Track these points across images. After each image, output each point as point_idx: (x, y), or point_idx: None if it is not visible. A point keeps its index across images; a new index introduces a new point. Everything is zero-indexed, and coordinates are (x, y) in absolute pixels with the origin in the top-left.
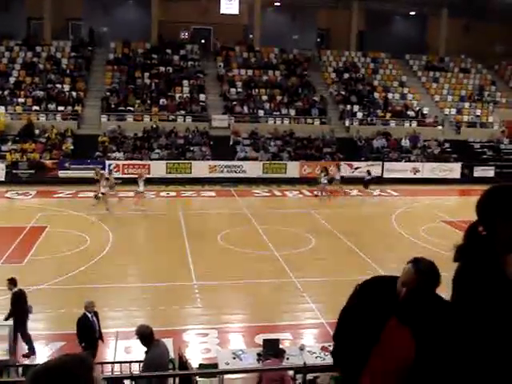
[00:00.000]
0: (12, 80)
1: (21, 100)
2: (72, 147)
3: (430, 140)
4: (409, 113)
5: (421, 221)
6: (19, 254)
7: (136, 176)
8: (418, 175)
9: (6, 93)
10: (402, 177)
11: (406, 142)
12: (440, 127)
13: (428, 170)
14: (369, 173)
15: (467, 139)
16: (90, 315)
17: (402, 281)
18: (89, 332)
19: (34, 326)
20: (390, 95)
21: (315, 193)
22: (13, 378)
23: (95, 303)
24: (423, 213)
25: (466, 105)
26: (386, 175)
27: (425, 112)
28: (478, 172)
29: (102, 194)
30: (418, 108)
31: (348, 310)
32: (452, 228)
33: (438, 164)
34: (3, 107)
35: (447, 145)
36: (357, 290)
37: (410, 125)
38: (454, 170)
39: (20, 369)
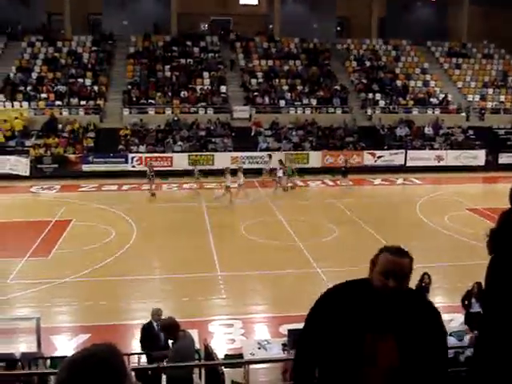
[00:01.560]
0: (34, 75)
1: (43, 95)
2: (95, 141)
3: (453, 127)
4: (431, 100)
5: (445, 209)
6: (45, 247)
7: (236, 168)
8: (442, 163)
9: (28, 88)
10: (426, 165)
11: (429, 130)
12: (463, 114)
13: (452, 157)
14: (346, 162)
15: (491, 126)
16: (155, 324)
17: (382, 271)
18: (152, 342)
19: (61, 318)
20: (412, 82)
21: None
22: (41, 370)
23: (161, 311)
24: (448, 201)
25: (490, 91)
26: (409, 163)
27: (448, 99)
28: (503, 159)
29: (227, 187)
30: (441, 95)
31: (316, 320)
32: (477, 216)
33: (461, 151)
34: (26, 103)
35: (471, 132)
36: (324, 297)
37: (433, 112)
38: (478, 157)
39: (48, 361)
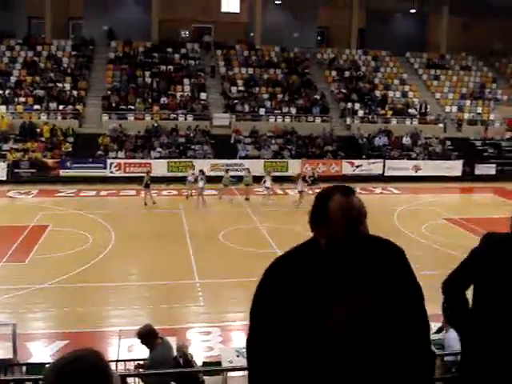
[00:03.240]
0: (13, 79)
1: (22, 99)
2: (73, 146)
3: (431, 138)
4: (410, 111)
5: (423, 218)
6: (22, 252)
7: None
8: (420, 173)
9: (7, 92)
10: (404, 174)
11: (407, 140)
12: (441, 125)
13: (429, 167)
14: (313, 171)
15: (468, 137)
16: (181, 360)
17: (347, 219)
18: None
19: (37, 324)
20: (390, 93)
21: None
22: (17, 376)
23: (187, 346)
24: (425, 210)
25: (467, 102)
26: (387, 173)
27: (426, 110)
28: (480, 169)
29: (300, 192)
30: (419, 105)
31: (272, 296)
32: (454, 225)
33: (439, 162)
34: (4, 106)
35: (448, 142)
36: (275, 267)
37: (411, 123)
38: (455, 167)
39: (24, 367)
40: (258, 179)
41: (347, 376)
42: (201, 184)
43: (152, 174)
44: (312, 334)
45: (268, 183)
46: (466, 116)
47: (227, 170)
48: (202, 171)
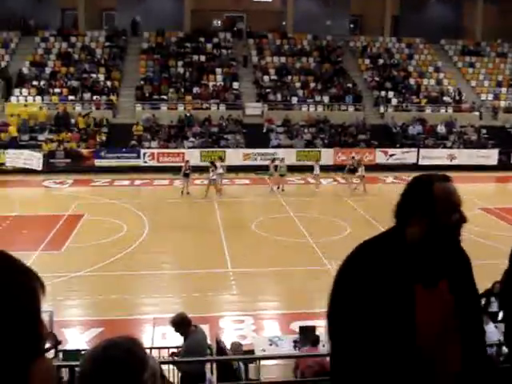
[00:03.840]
0: (48, 70)
1: (57, 90)
2: (107, 136)
3: (466, 126)
4: (445, 98)
5: None
6: (57, 241)
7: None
8: (455, 162)
9: (42, 83)
10: (438, 163)
11: (441, 129)
12: (476, 113)
13: (465, 156)
14: (353, 159)
15: (504, 125)
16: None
17: (449, 205)
18: None
19: (73, 312)
20: (425, 81)
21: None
22: (54, 362)
23: (241, 347)
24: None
25: (503, 90)
26: (421, 162)
27: (461, 98)
28: None
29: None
30: (454, 93)
31: (352, 292)
32: (490, 215)
33: (474, 150)
34: (40, 97)
35: (484, 131)
36: (358, 254)
37: (446, 111)
38: (491, 156)
39: (60, 354)
40: (290, 168)
41: (429, 362)
42: (217, 174)
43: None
44: (399, 322)
45: (317, 171)
46: (502, 104)
47: (282, 159)
48: (213, 163)
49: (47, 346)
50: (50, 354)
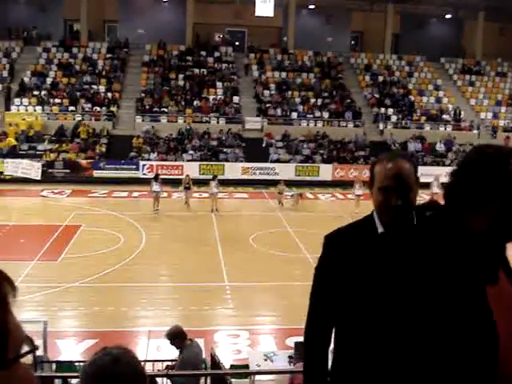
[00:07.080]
0: (49, 80)
1: (57, 100)
2: (107, 147)
3: (465, 144)
4: (444, 116)
5: None
6: (54, 251)
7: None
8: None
9: (43, 93)
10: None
11: (440, 146)
12: (475, 131)
13: None
14: None
15: (503, 144)
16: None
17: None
18: None
19: (68, 322)
20: (424, 99)
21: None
22: (47, 373)
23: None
24: None
25: (503, 109)
26: (420, 179)
27: (461, 116)
28: None
29: (357, 195)
30: (453, 111)
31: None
32: None
33: None
34: (40, 107)
35: None
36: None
37: (445, 129)
38: None
39: (53, 365)
40: (288, 183)
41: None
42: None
43: (183, 176)
44: (478, 335)
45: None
46: (502, 123)
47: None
48: (156, 177)
49: (23, 351)
50: (28, 360)
